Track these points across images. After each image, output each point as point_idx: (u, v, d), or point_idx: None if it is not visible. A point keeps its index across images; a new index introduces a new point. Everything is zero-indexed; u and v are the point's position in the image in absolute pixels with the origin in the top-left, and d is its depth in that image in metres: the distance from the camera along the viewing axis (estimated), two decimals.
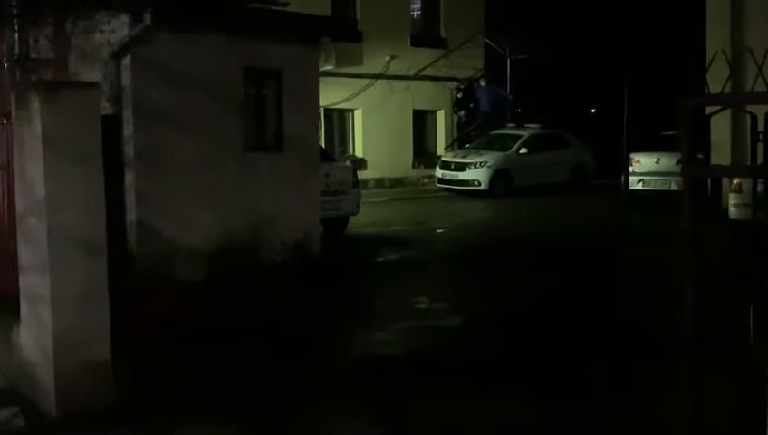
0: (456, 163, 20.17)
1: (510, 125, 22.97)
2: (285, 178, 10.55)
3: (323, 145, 18.75)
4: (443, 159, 20.99)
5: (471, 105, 23.87)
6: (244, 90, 10.17)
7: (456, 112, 23.96)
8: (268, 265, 9.99)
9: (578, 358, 6.51)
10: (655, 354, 6.35)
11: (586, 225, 14.82)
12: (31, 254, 5.22)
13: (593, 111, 34.63)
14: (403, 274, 10.44)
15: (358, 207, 13.65)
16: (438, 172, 20.60)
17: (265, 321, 7.61)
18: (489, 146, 20.93)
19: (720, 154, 13.87)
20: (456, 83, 23.95)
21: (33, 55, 8.96)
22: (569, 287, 9.29)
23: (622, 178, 15.61)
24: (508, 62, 25.53)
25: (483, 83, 24.15)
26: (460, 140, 23.35)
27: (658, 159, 16.72)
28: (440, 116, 24.44)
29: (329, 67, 19.57)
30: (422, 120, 24.02)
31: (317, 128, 11.86)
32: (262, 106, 10.64)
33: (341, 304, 8.64)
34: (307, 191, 10.90)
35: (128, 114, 9.06)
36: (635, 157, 16.73)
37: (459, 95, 23.89)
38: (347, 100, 21.61)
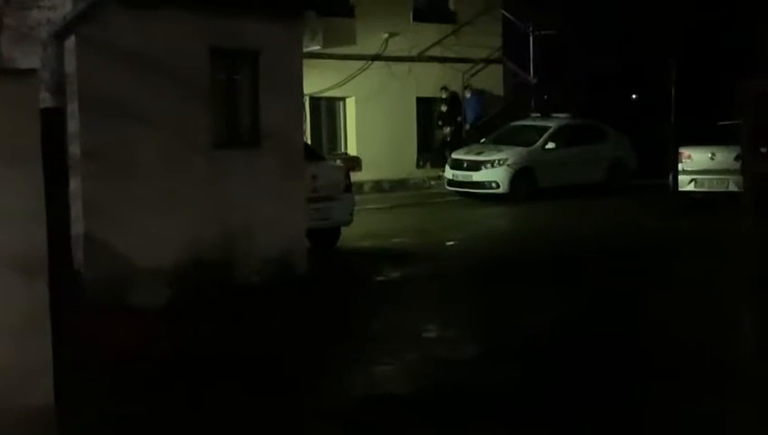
0: (469, 161, 20.16)
1: (534, 115, 22.95)
2: (263, 182, 10.54)
3: (309, 141, 18.74)
4: (453, 156, 20.99)
5: (459, 118, 23.38)
6: (213, 75, 10.17)
7: (440, 127, 23.50)
8: (244, 286, 9.98)
9: (618, 396, 6.49)
10: (711, 387, 6.34)
11: (627, 235, 14.81)
12: None
13: (634, 96, 34.64)
14: (407, 295, 10.43)
15: (351, 215, 13.64)
16: (448, 172, 20.60)
17: (241, 354, 7.59)
18: (509, 140, 20.91)
19: None
20: (469, 64, 23.95)
21: None
22: (607, 313, 9.27)
23: (670, 177, 15.63)
24: (531, 39, 25.57)
25: (468, 94, 23.72)
26: (439, 154, 22.86)
27: (713, 154, 16.73)
28: None
29: (315, 47, 19.56)
30: (428, 110, 24.02)
31: (301, 120, 11.87)
32: (234, 94, 10.64)
33: (333, 332, 8.63)
34: (290, 197, 10.89)
35: (73, 107, 9.05)
36: (685, 151, 16.74)
37: (444, 108, 23.44)
38: (337, 86, 21.62)
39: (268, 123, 10.64)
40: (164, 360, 7.24)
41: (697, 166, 16.79)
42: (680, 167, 16.56)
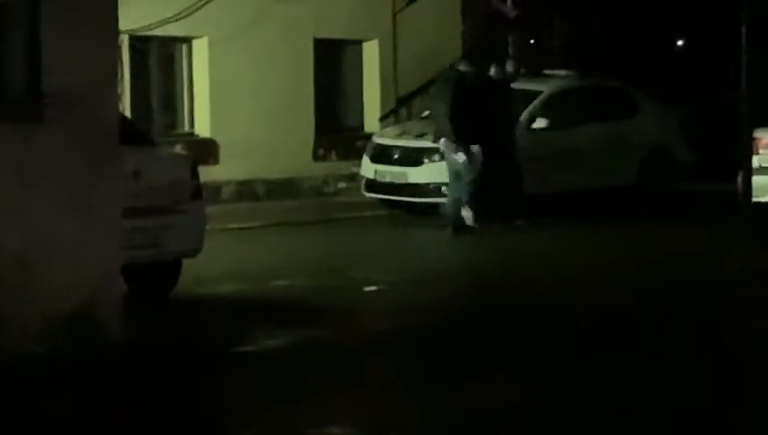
0: (402, 150, 20.16)
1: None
2: (48, 178, 10.51)
3: (128, 112, 18.71)
4: (375, 140, 21.04)
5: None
6: None
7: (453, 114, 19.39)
8: (15, 361, 9.93)
9: None
10: None
11: (669, 275, 15.00)
12: None
13: (680, 42, 35.26)
14: (295, 379, 10.43)
15: (201, 239, 13.63)
16: (367, 169, 20.59)
17: None
18: None
19: None
20: None
21: None
22: (638, 410, 9.44)
23: (739, 178, 15.85)
24: None
25: (506, 68, 20.47)
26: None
27: None
28: (370, 52, 24.56)
29: None
30: (334, 62, 24.21)
31: (115, 76, 11.86)
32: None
33: None
34: (94, 206, 10.86)
35: None
36: (763, 137, 17.01)
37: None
38: (177, 19, 21.60)
39: (56, 81, 10.61)
40: None
41: None
42: (755, 162, 16.79)
